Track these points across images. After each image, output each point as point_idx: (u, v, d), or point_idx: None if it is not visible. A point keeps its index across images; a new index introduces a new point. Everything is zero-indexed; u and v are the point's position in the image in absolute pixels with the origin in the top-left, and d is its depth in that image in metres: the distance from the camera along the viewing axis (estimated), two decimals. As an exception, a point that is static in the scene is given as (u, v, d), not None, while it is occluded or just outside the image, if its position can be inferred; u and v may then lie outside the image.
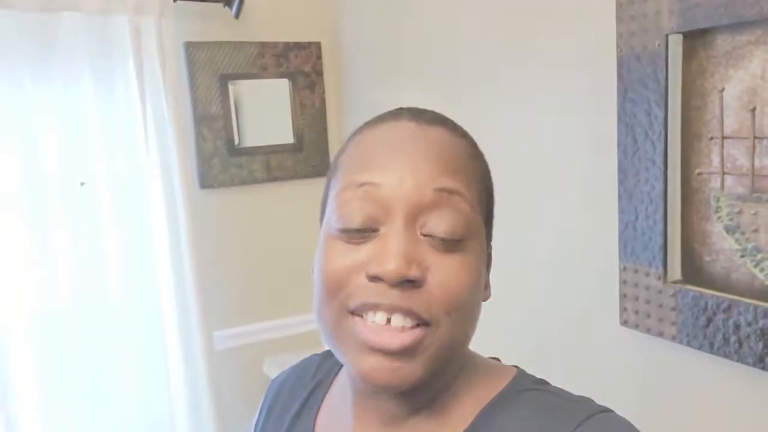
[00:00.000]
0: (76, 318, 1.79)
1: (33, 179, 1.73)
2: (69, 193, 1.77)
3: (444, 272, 0.52)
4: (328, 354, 0.73)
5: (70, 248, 1.78)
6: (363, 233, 0.53)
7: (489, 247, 0.61)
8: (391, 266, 0.50)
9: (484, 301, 0.59)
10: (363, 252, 0.53)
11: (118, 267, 1.84)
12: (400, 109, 0.60)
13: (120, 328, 1.85)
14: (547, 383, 0.59)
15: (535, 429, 0.52)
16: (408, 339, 0.51)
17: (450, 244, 0.53)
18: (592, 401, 0.55)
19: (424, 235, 0.53)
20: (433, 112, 0.60)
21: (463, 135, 0.60)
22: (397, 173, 0.53)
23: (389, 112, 0.60)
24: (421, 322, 0.51)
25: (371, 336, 0.51)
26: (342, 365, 0.70)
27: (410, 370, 0.52)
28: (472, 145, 0.60)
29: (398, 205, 0.52)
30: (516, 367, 0.61)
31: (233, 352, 2.05)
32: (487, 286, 0.60)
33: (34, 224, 1.73)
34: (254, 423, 0.75)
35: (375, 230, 0.53)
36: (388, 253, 0.51)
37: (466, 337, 0.56)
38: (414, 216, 0.53)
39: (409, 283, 0.51)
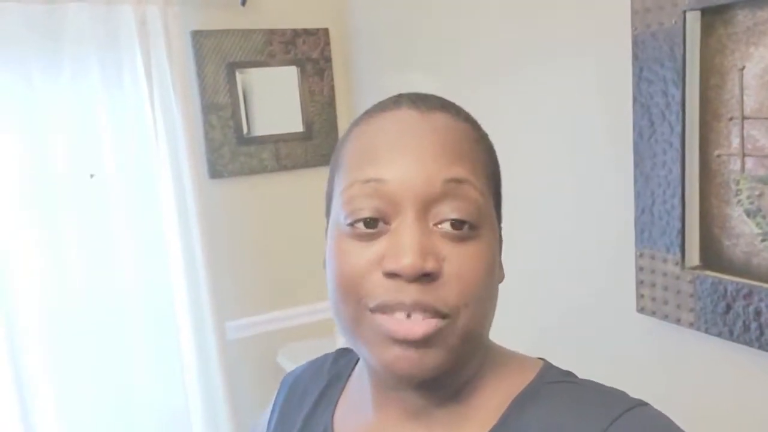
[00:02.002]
0: (89, 310, 1.80)
1: (42, 172, 1.73)
2: (78, 185, 1.77)
3: (460, 262, 0.51)
4: (342, 352, 0.73)
5: (81, 241, 1.78)
6: (374, 229, 0.52)
7: (500, 228, 0.59)
8: (407, 261, 0.49)
9: (499, 282, 0.57)
10: (376, 248, 0.52)
11: (130, 259, 1.84)
12: (400, 95, 0.58)
13: (132, 319, 1.85)
14: (575, 375, 0.58)
15: (569, 422, 0.50)
16: (430, 328, 0.50)
17: (463, 234, 0.51)
18: (627, 394, 0.53)
19: (437, 226, 0.51)
20: (434, 97, 0.58)
21: (466, 118, 0.58)
22: (404, 167, 0.52)
23: (388, 99, 0.58)
24: (441, 315, 0.50)
25: (393, 327, 0.50)
26: (356, 362, 0.69)
27: (432, 359, 0.51)
28: (476, 127, 0.58)
29: (408, 200, 0.51)
30: (542, 359, 0.60)
31: (246, 341, 2.04)
32: (500, 267, 0.59)
33: (44, 217, 1.73)
34: (266, 420, 0.74)
35: (387, 224, 0.52)
36: (403, 247, 0.49)
37: (487, 323, 0.55)
38: (425, 209, 0.51)
39: (426, 277, 0.50)
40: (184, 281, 1.86)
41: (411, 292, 0.50)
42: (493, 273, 0.54)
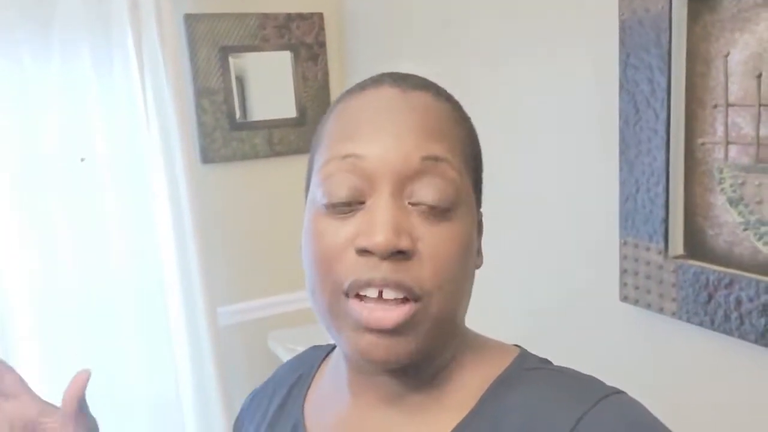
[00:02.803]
0: (79, 295, 1.80)
1: (33, 155, 1.72)
2: (69, 169, 1.77)
3: (435, 242, 0.51)
4: (310, 351, 0.73)
5: (71, 225, 1.78)
6: (349, 206, 0.52)
7: (479, 213, 0.59)
8: (380, 238, 0.49)
9: (477, 268, 0.57)
10: (350, 226, 0.51)
11: (121, 244, 1.84)
12: (382, 75, 0.58)
13: (123, 305, 1.85)
14: (551, 362, 0.57)
15: (545, 409, 0.50)
16: (401, 316, 0.49)
17: (439, 213, 0.51)
18: (603, 382, 0.53)
19: (413, 205, 0.51)
20: (415, 77, 0.58)
21: (447, 98, 0.57)
22: (382, 143, 0.51)
23: (370, 78, 0.58)
24: (413, 297, 0.50)
25: (365, 315, 0.50)
26: (325, 356, 0.70)
27: (405, 346, 0.51)
28: (457, 108, 0.58)
29: (384, 176, 0.51)
30: (518, 346, 0.60)
31: (237, 327, 2.05)
32: (479, 253, 0.58)
33: (34, 201, 1.73)
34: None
35: (361, 203, 0.52)
36: (376, 224, 0.49)
37: (461, 307, 0.55)
38: (401, 186, 0.51)
39: (400, 255, 0.49)
40: (175, 267, 1.86)
41: (383, 270, 0.49)
42: (468, 256, 0.54)
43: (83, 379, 0.62)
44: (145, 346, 1.88)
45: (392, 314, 0.49)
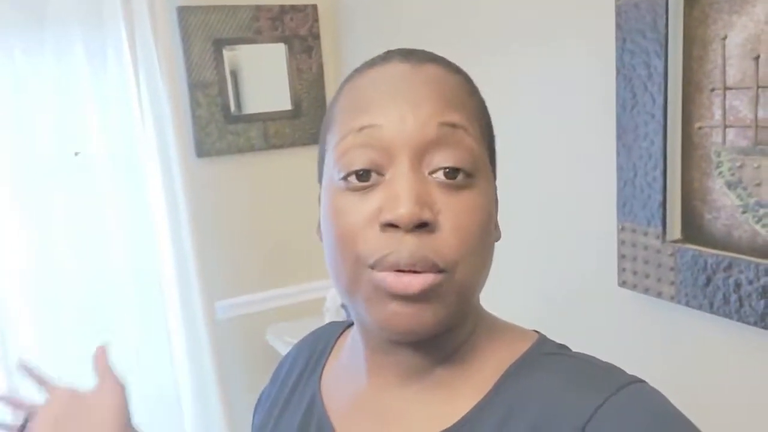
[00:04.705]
0: (76, 290, 1.80)
1: (27, 150, 1.72)
2: (64, 165, 1.76)
3: (456, 213, 0.50)
4: (327, 326, 0.73)
5: (67, 220, 1.77)
6: (368, 180, 0.51)
7: (495, 186, 0.58)
8: (403, 210, 0.48)
9: (496, 241, 0.57)
10: (372, 201, 0.50)
11: (117, 239, 1.83)
12: (389, 51, 0.57)
13: (121, 300, 1.85)
14: (570, 349, 0.57)
15: (564, 395, 0.49)
16: (428, 281, 0.49)
17: (458, 183, 0.51)
18: (622, 370, 0.52)
19: (432, 174, 0.51)
20: (423, 51, 0.57)
21: (458, 71, 0.57)
22: (398, 111, 0.51)
23: (378, 56, 0.57)
24: (437, 270, 0.49)
25: (391, 282, 0.49)
26: (341, 332, 0.69)
27: (430, 314, 0.50)
28: (468, 81, 0.57)
29: (402, 146, 0.50)
30: (537, 331, 0.59)
31: (235, 321, 2.04)
32: (497, 226, 0.58)
33: (29, 196, 1.73)
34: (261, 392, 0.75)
35: (381, 175, 0.51)
36: (399, 197, 0.49)
37: (482, 279, 0.55)
38: (420, 155, 0.50)
39: (423, 227, 0.49)
40: (172, 261, 1.85)
41: (408, 244, 0.49)
42: (489, 226, 0.53)
43: (104, 349, 0.68)
44: (143, 340, 1.88)
45: (419, 280, 0.49)
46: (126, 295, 1.86)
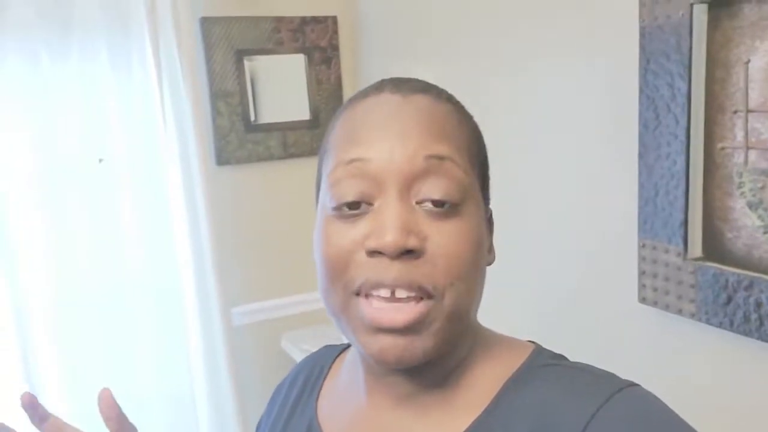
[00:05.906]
0: (96, 295, 1.82)
1: (51, 156, 1.75)
2: (87, 170, 1.79)
3: (443, 239, 0.52)
4: (325, 349, 0.75)
5: (89, 225, 1.80)
6: (358, 209, 0.53)
7: (488, 210, 0.60)
8: (389, 238, 0.50)
9: (488, 264, 0.58)
10: (360, 228, 0.53)
11: (137, 245, 1.86)
12: (382, 81, 0.59)
13: (139, 305, 1.87)
14: (566, 358, 0.58)
15: (560, 405, 0.51)
16: (413, 314, 0.51)
17: (446, 211, 0.52)
18: (616, 376, 0.54)
19: (420, 204, 0.52)
20: (415, 80, 0.59)
21: (448, 99, 0.59)
22: (386, 145, 0.53)
23: (371, 85, 0.60)
24: (425, 295, 0.51)
25: (376, 316, 0.51)
26: (339, 354, 0.71)
27: (419, 345, 0.52)
28: (459, 109, 0.59)
29: (390, 177, 0.52)
30: (532, 342, 0.60)
31: (251, 328, 2.06)
32: (490, 250, 0.59)
33: (53, 201, 1.75)
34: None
35: (370, 205, 0.53)
36: (385, 225, 0.51)
37: (474, 304, 0.56)
38: (407, 186, 0.52)
39: (410, 254, 0.51)
40: (191, 267, 1.87)
41: (394, 270, 0.50)
42: (478, 252, 0.55)
43: (109, 394, 0.59)
44: (160, 345, 1.90)
45: (404, 313, 0.51)
46: (145, 300, 1.88)
